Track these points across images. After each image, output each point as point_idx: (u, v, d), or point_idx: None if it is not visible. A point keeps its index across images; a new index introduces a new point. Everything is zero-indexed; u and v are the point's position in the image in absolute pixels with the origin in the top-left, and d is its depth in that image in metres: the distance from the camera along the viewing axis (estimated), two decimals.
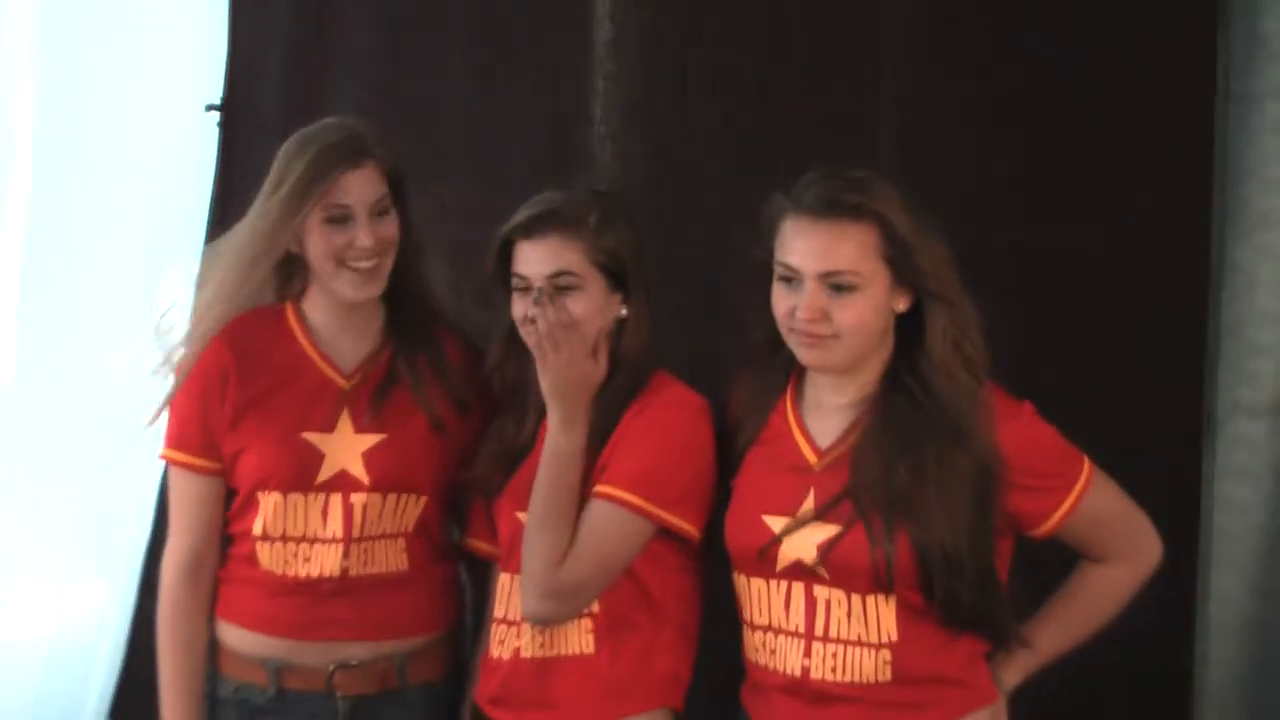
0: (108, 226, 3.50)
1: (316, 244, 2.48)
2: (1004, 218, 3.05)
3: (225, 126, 3.50)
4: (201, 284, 2.57)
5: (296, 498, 2.52)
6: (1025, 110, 3.10)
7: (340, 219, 2.48)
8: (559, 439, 2.36)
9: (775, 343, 2.36)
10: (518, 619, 2.45)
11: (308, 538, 2.53)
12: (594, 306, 2.40)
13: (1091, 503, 2.32)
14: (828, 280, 2.25)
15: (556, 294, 2.39)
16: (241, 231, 2.51)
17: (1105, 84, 3.07)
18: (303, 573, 2.53)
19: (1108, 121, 3.06)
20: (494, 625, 2.50)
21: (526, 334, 2.39)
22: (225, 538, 2.61)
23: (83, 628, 3.43)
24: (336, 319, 2.56)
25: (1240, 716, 2.87)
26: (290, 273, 2.57)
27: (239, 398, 2.53)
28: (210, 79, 3.50)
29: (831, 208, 2.25)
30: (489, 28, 3.38)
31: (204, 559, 2.57)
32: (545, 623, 2.39)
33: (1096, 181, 3.06)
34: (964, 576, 2.28)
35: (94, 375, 3.40)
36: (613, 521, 2.37)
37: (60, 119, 3.47)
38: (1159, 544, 2.38)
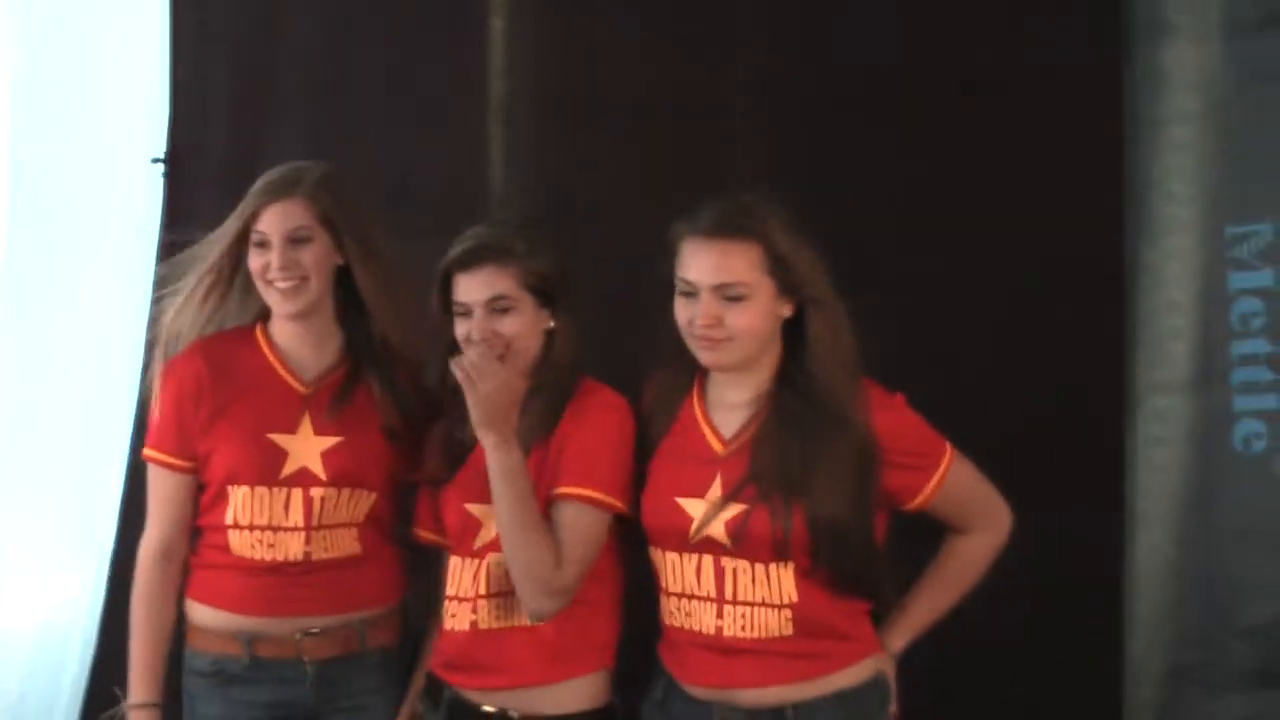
0: (68, 259, 3.74)
1: (251, 263, 2.75)
2: (915, 220, 3.29)
3: (170, 177, 3.68)
4: (172, 292, 2.78)
5: (263, 491, 2.72)
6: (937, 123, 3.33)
7: (260, 243, 2.73)
8: (502, 459, 2.51)
9: (681, 348, 2.53)
10: (470, 595, 2.61)
11: (273, 526, 2.72)
12: (526, 324, 2.59)
13: (954, 480, 2.52)
14: (720, 292, 2.45)
15: (491, 315, 2.57)
16: (203, 245, 2.77)
17: (1027, 116, 3.29)
18: (269, 557, 2.72)
19: (1029, 146, 3.27)
20: (447, 602, 2.64)
21: (466, 355, 2.54)
22: (197, 530, 2.78)
23: (61, 614, 3.63)
24: (295, 335, 2.78)
25: (1164, 642, 3.02)
26: (245, 298, 2.81)
27: (212, 404, 2.73)
28: (156, 131, 3.71)
29: (722, 229, 2.47)
30: (401, 86, 3.60)
31: (174, 548, 2.76)
32: (548, 617, 2.53)
33: (1022, 195, 3.27)
34: (850, 545, 2.46)
35: (65, 392, 3.65)
36: (587, 518, 2.54)
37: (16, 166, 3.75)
38: (1009, 514, 2.57)
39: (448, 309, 2.61)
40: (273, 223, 2.72)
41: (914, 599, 2.57)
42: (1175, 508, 3.03)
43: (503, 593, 2.60)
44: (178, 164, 3.68)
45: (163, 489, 2.77)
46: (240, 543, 2.73)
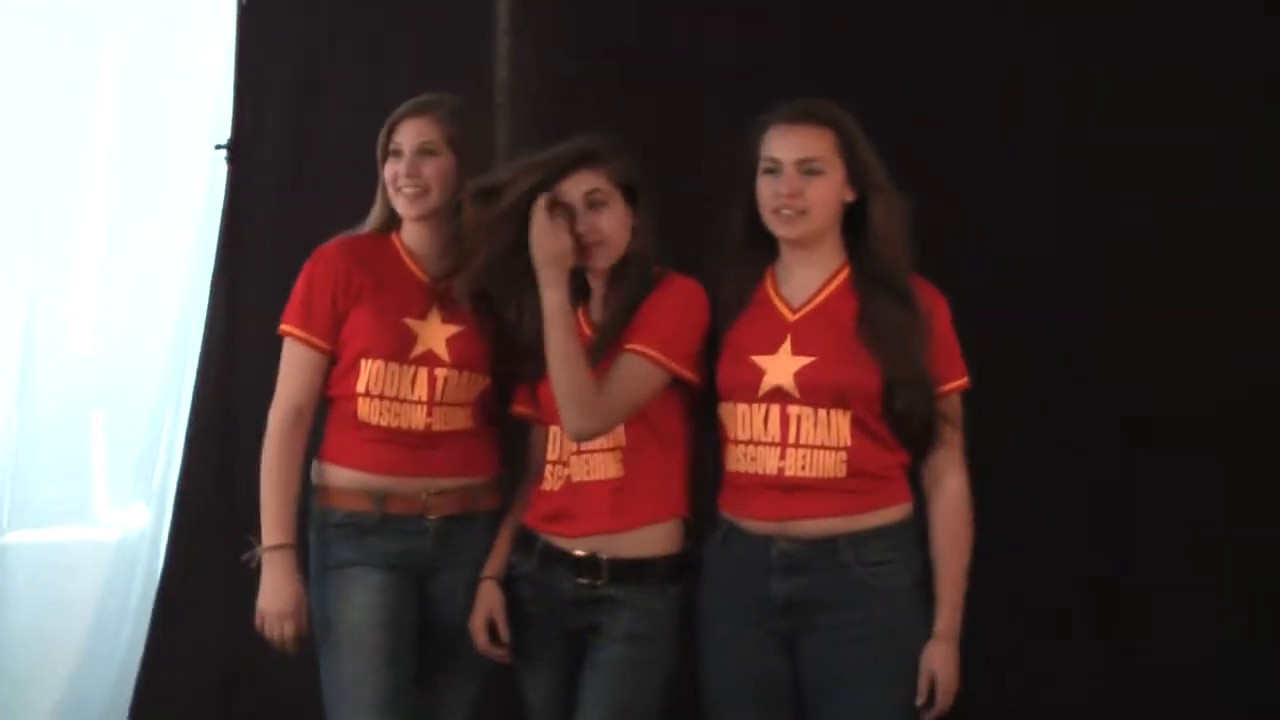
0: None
1: (385, 172, 3.03)
2: None
3: (232, 163, 3.89)
4: None
5: (394, 366, 2.97)
6: None
7: (395, 152, 3.02)
8: (550, 298, 2.79)
9: (749, 245, 2.85)
10: (566, 459, 2.88)
11: (399, 398, 2.97)
12: (618, 219, 2.87)
13: (958, 400, 2.81)
14: (801, 166, 2.77)
15: (590, 211, 2.86)
16: None
17: None
18: (394, 424, 2.96)
19: None
20: (548, 466, 2.91)
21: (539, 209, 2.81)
22: (329, 400, 3.01)
23: (133, 537, 3.98)
24: (423, 238, 3.05)
25: None
26: (392, 211, 3.07)
27: (353, 289, 2.98)
28: (218, 119, 3.90)
29: (803, 115, 2.81)
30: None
31: (304, 413, 3.00)
32: (586, 437, 2.80)
33: None
34: (913, 396, 2.75)
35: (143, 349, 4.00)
36: (639, 368, 2.81)
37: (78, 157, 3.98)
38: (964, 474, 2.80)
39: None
40: (407, 135, 3.02)
41: (940, 586, 2.78)
42: None
43: (591, 450, 2.87)
44: (239, 152, 3.90)
45: (296, 361, 3.01)
46: (368, 410, 2.97)
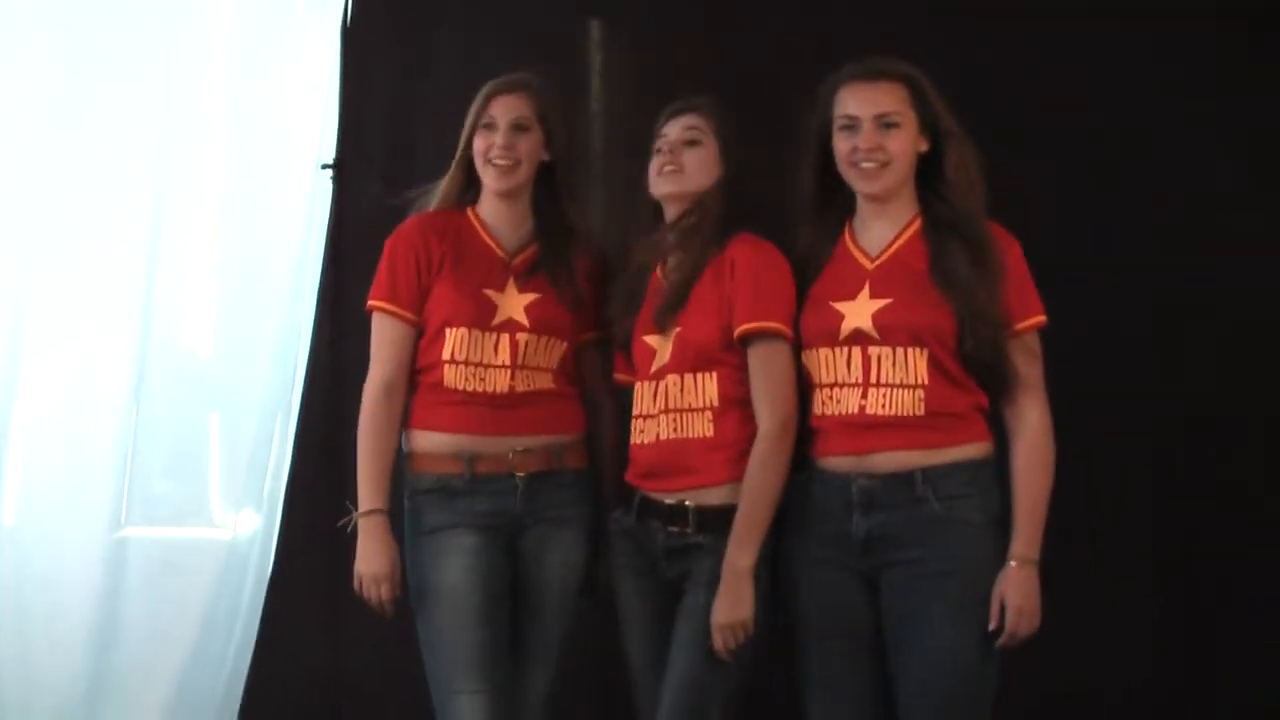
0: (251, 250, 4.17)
1: (476, 145, 3.11)
2: None
3: (338, 182, 4.02)
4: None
5: (477, 333, 3.07)
6: None
7: (488, 125, 3.11)
8: (741, 561, 2.88)
9: (825, 201, 2.93)
10: (653, 413, 2.99)
11: (483, 364, 3.07)
12: (701, 158, 3.02)
13: (1035, 337, 2.88)
14: (880, 120, 2.86)
15: (685, 146, 3.01)
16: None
17: None
18: (480, 388, 3.06)
19: None
20: (635, 421, 3.03)
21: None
22: (416, 371, 3.09)
23: (244, 540, 4.08)
24: (500, 213, 3.15)
25: None
26: (468, 186, 3.17)
27: (435, 263, 3.08)
28: (324, 138, 4.04)
29: (876, 72, 2.91)
30: None
31: (395, 385, 3.09)
32: (791, 427, 2.88)
33: None
34: (988, 334, 2.81)
35: (247, 365, 4.11)
36: (779, 350, 2.92)
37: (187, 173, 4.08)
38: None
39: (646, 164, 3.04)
40: (502, 109, 3.11)
41: (1015, 503, 2.83)
42: None
43: (678, 409, 2.98)
44: (344, 171, 4.02)
45: (387, 334, 3.11)
46: (454, 375, 3.07)
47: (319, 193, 4.10)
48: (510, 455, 3.06)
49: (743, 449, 2.93)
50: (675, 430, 2.98)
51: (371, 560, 3.04)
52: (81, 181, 4.06)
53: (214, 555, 4.10)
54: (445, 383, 3.07)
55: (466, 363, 3.07)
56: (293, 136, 4.14)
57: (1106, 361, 3.69)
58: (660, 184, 3.03)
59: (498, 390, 3.07)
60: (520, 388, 3.08)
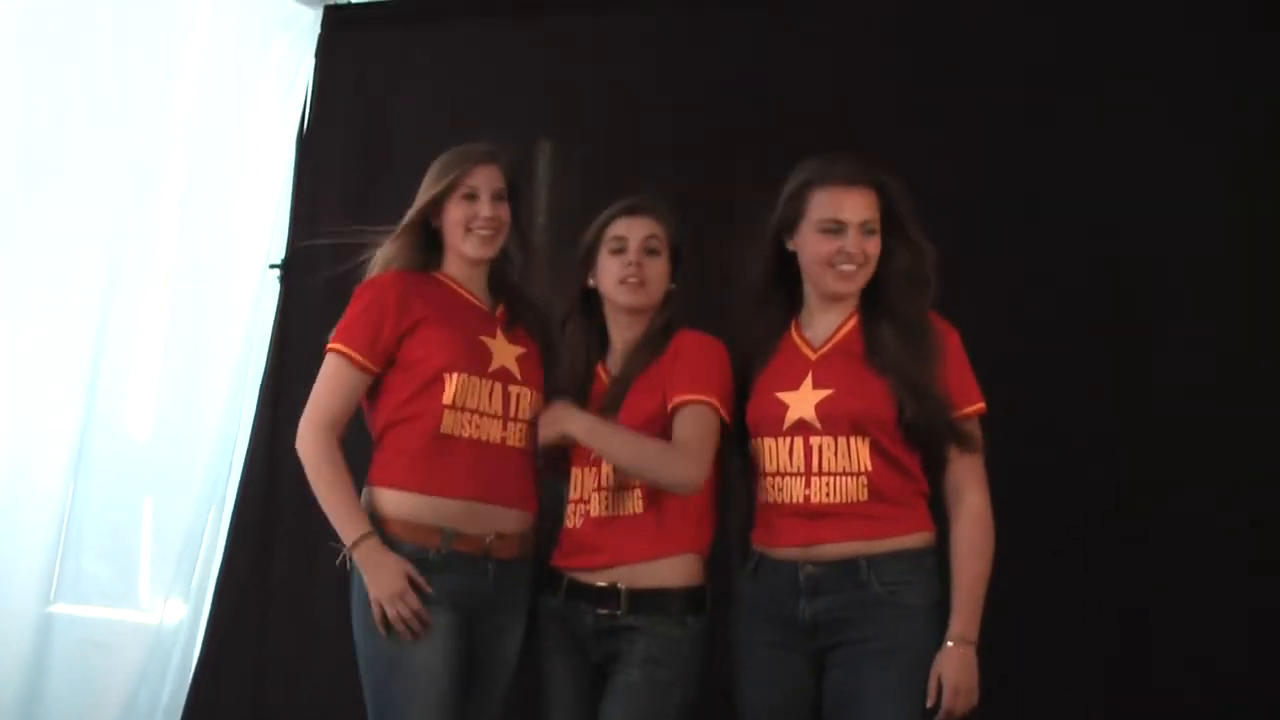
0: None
1: (453, 213, 3.07)
2: None
3: (285, 282, 4.13)
4: (379, 233, 3.10)
5: (476, 379, 3.01)
6: None
7: (469, 196, 3.08)
8: (584, 431, 2.95)
9: (769, 297, 2.99)
10: (587, 498, 2.97)
11: (480, 411, 3.01)
12: (661, 269, 3.04)
13: (975, 424, 2.91)
14: (864, 227, 2.92)
15: (646, 254, 3.02)
16: (408, 213, 3.09)
17: None
18: (476, 436, 2.99)
19: None
20: (570, 505, 3.00)
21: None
22: (403, 419, 2.99)
23: (170, 628, 4.10)
24: (468, 275, 3.11)
25: None
26: (429, 251, 3.12)
27: (414, 315, 3.02)
28: (274, 239, 4.18)
29: (859, 178, 2.95)
30: None
31: (338, 426, 3.00)
32: (695, 485, 2.89)
33: None
34: (929, 405, 2.85)
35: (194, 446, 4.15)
36: (706, 416, 2.94)
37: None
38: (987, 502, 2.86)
39: (590, 256, 3.07)
40: (484, 180, 3.10)
41: (954, 583, 2.85)
42: None
43: (614, 487, 2.96)
44: (292, 270, 4.12)
45: (344, 379, 3.01)
46: (453, 422, 3.00)
47: (266, 290, 4.20)
48: (488, 539, 2.99)
49: (673, 525, 2.95)
50: (608, 508, 2.99)
51: (383, 582, 2.92)
52: (34, 259, 4.06)
53: (140, 639, 4.10)
54: (443, 429, 2.99)
55: (464, 409, 3.02)
56: (243, 236, 4.24)
57: (1041, 449, 3.59)
58: (624, 295, 3.04)
59: (490, 440, 3.03)
60: (511, 441, 3.06)
